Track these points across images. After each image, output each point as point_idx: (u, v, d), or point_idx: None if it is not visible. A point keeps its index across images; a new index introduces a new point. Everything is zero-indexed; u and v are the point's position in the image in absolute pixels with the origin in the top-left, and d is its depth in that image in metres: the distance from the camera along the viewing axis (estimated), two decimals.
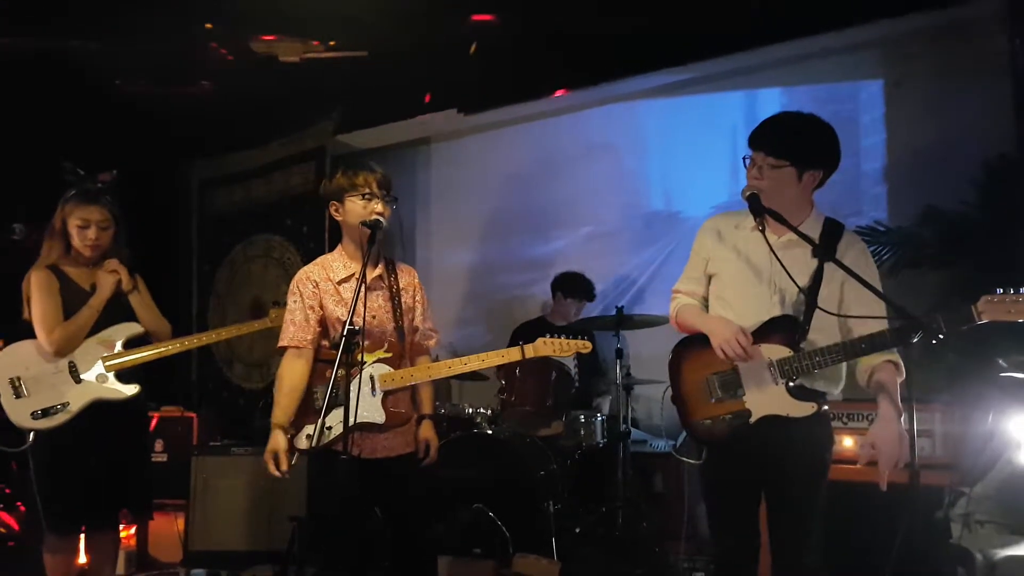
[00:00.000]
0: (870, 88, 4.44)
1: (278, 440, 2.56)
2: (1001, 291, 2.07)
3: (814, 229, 2.35)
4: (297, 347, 2.65)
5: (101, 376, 2.98)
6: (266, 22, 4.48)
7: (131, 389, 3.01)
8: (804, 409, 2.29)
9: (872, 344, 2.21)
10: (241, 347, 5.81)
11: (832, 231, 2.37)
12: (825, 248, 2.29)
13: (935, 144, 4.11)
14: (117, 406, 2.99)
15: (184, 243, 6.28)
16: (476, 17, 4.30)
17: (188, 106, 5.12)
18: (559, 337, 2.69)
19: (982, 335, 2.96)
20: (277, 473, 2.54)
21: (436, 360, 2.93)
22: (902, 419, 2.26)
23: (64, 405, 2.92)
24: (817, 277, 2.31)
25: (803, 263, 2.32)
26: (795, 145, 2.33)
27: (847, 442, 3.07)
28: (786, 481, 2.32)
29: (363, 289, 2.47)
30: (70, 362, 2.97)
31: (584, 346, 2.70)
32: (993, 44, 3.96)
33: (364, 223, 2.57)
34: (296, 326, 2.66)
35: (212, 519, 4.19)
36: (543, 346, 2.68)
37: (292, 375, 2.63)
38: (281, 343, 2.68)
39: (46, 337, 2.93)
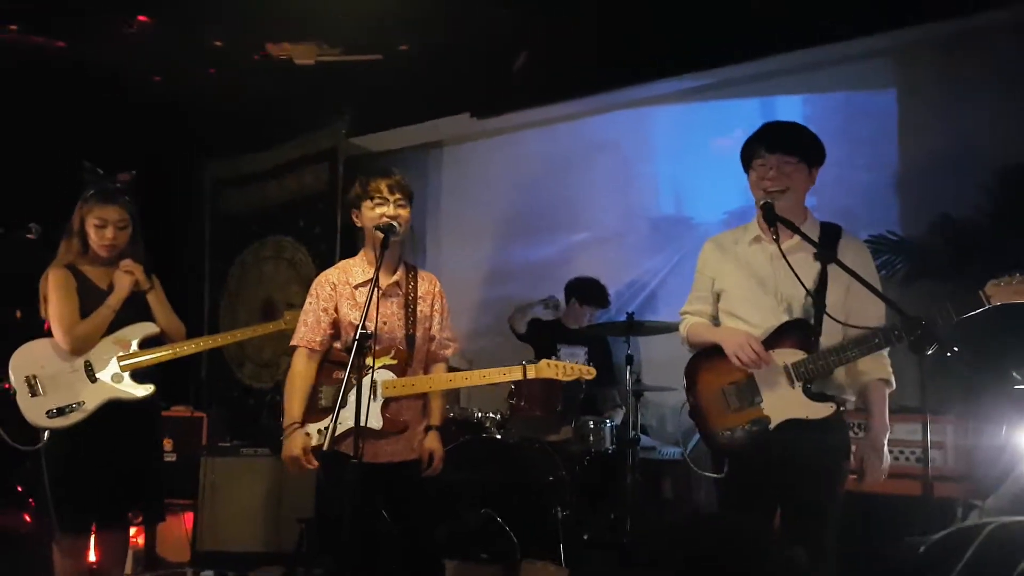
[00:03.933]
0: (884, 97, 4.43)
1: (302, 437, 2.59)
2: (1008, 276, 2.14)
3: (813, 232, 2.41)
4: (307, 347, 2.69)
5: (116, 376, 2.98)
6: (281, 25, 4.50)
7: (145, 389, 3.02)
8: (823, 410, 2.30)
9: (885, 337, 2.24)
10: (251, 347, 5.82)
11: (831, 233, 2.43)
12: (827, 250, 2.34)
13: (948, 152, 4.10)
14: (131, 406, 3.00)
15: (197, 243, 6.30)
16: None
17: (203, 108, 5.15)
18: (563, 357, 2.70)
19: (997, 348, 2.96)
20: (308, 467, 2.58)
21: (452, 370, 2.93)
22: (887, 436, 2.40)
23: (80, 404, 2.92)
24: (822, 280, 2.34)
25: (807, 266, 2.36)
26: (801, 142, 2.41)
27: None
28: (804, 488, 2.32)
29: (376, 294, 2.49)
30: (86, 361, 2.97)
31: (589, 372, 2.73)
32: (1006, 53, 3.95)
33: (378, 228, 2.59)
34: (307, 327, 2.70)
35: (220, 519, 4.19)
36: (546, 368, 2.69)
37: (304, 375, 2.67)
38: (292, 342, 2.72)
39: (63, 336, 2.94)
